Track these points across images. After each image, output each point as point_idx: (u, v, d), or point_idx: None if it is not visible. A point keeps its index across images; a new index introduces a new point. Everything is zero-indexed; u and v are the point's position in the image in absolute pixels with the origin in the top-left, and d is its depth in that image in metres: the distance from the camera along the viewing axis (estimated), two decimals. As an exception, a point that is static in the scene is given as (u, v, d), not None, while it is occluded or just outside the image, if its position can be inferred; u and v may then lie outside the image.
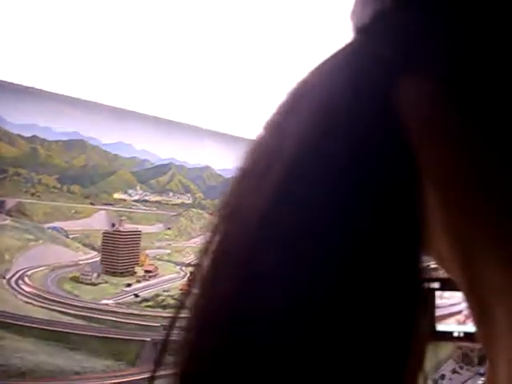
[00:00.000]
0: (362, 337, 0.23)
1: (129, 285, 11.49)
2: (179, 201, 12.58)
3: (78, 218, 11.40)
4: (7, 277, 9.61)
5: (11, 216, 10.16)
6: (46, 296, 9.74)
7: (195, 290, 0.25)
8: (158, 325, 9.73)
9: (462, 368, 8.29)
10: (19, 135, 9.50)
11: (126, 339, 9.48)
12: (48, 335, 8.63)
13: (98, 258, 11.22)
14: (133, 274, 11.56)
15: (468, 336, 0.62)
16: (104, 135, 10.45)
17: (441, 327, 0.62)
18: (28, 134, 9.61)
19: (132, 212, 12.04)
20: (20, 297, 9.29)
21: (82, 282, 10.68)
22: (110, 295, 10.69)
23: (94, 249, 11.49)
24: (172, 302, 10.71)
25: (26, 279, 9.79)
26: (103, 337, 9.27)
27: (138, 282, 11.58)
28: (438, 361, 7.65)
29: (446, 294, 0.55)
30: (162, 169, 12.04)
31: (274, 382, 0.23)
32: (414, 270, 0.25)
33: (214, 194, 12.43)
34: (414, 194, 0.24)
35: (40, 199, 10.27)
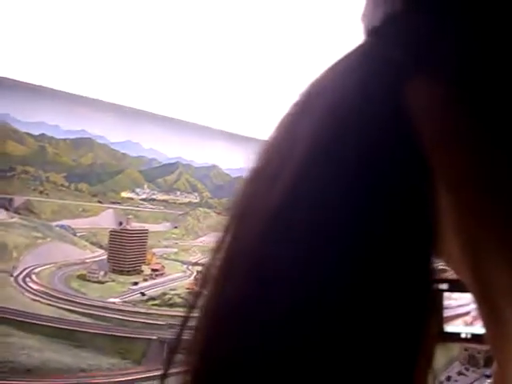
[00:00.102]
0: (373, 337, 0.23)
1: (135, 283, 11.53)
2: (186, 200, 12.62)
3: (86, 217, 11.45)
4: (15, 274, 9.67)
5: (19, 214, 10.22)
6: (53, 294, 9.78)
7: (206, 290, 0.25)
8: (165, 323, 9.76)
9: (467, 370, 8.28)
10: (28, 133, 9.55)
11: (133, 337, 9.51)
12: (55, 333, 8.67)
13: (105, 257, 11.27)
14: (140, 272, 11.61)
15: (476, 337, 0.62)
16: (112, 134, 10.50)
17: (448, 328, 0.62)
18: (36, 132, 9.66)
19: (139, 211, 12.09)
20: (27, 294, 9.34)
21: (89, 280, 10.74)
22: (116, 293, 10.74)
23: (101, 247, 11.54)
24: (179, 300, 10.74)
25: (34, 277, 9.84)
26: (110, 335, 9.31)
27: (145, 280, 11.62)
28: (444, 362, 7.64)
29: (454, 295, 0.56)
30: (170, 168, 12.08)
31: (286, 382, 0.23)
32: (425, 271, 0.25)
33: (221, 193, 12.45)
34: (426, 196, 0.24)
35: (48, 197, 10.32)
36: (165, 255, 11.39)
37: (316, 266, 0.23)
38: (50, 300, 9.16)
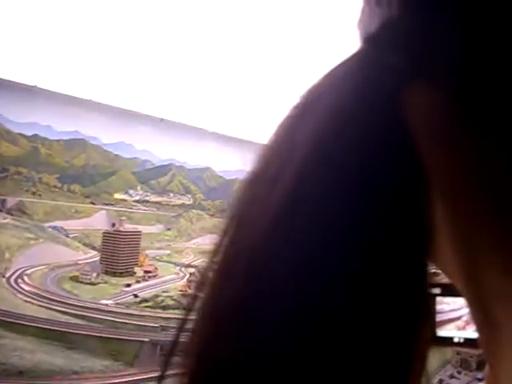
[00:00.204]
0: (368, 340, 0.23)
1: (128, 285, 11.49)
2: (179, 201, 12.58)
3: (79, 218, 11.40)
4: (7, 275, 9.61)
5: (12, 215, 10.16)
6: (45, 295, 9.73)
7: (203, 293, 0.25)
8: (157, 325, 9.74)
9: (460, 373, 8.30)
10: (20, 134, 9.50)
11: (125, 339, 9.47)
12: (47, 334, 8.63)
13: (98, 258, 11.22)
14: (132, 274, 11.56)
15: (468, 342, 0.62)
16: (105, 135, 10.45)
17: (441, 333, 0.62)
18: (29, 133, 9.61)
19: (132, 212, 12.04)
20: (19, 295, 9.29)
21: (81, 282, 10.68)
22: (109, 295, 10.69)
23: (93, 248, 11.49)
24: (171, 302, 10.71)
25: (26, 278, 9.79)
26: (102, 337, 9.27)
27: (138, 282, 11.57)
28: (437, 366, 7.65)
29: (447, 299, 0.56)
30: (163, 169, 12.04)
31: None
32: (420, 276, 0.25)
33: (215, 195, 12.42)
34: (423, 204, 0.24)
35: (41, 198, 10.27)
36: (157, 257, 11.34)
37: (315, 270, 0.23)
38: (42, 301, 9.11)
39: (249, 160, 0.27)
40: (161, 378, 0.26)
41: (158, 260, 11.09)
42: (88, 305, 9.67)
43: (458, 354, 7.67)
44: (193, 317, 0.25)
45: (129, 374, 8.35)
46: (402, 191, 0.24)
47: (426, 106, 0.24)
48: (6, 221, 9.12)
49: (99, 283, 10.34)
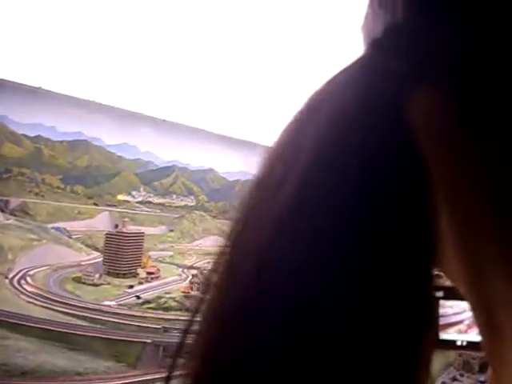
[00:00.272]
0: (373, 342, 0.24)
1: (131, 286, 11.48)
2: (182, 203, 12.59)
3: (81, 219, 11.40)
4: (10, 276, 9.62)
5: (15, 216, 10.17)
6: (47, 296, 9.73)
7: (208, 295, 0.26)
8: (160, 327, 9.72)
9: (462, 375, 8.27)
10: (24, 135, 9.52)
11: (128, 341, 9.46)
12: (50, 335, 8.62)
13: (101, 259, 11.23)
14: (135, 275, 11.55)
15: (471, 345, 0.62)
16: (108, 136, 10.48)
17: (444, 336, 0.62)
18: (32, 134, 9.63)
19: (135, 213, 12.04)
20: (22, 296, 9.30)
21: (84, 283, 10.69)
22: (112, 296, 10.69)
23: (96, 249, 11.50)
24: (174, 304, 10.69)
25: (29, 279, 9.79)
26: (105, 338, 9.26)
27: (140, 283, 11.57)
28: (439, 368, 7.62)
29: (449, 303, 0.56)
30: (166, 171, 12.04)
31: None
32: (425, 279, 0.25)
33: (218, 196, 12.42)
34: (426, 207, 0.24)
35: (44, 199, 10.28)
36: (160, 258, 11.35)
37: (320, 272, 0.24)
38: (45, 302, 9.12)
39: (252, 162, 0.27)
40: (167, 379, 0.26)
41: (161, 261, 11.10)
42: (90, 306, 9.67)
43: (461, 356, 7.64)
44: (198, 319, 0.26)
45: (131, 376, 8.34)
46: (403, 193, 0.24)
47: (427, 107, 0.24)
48: (9, 222, 9.14)
49: (102, 284, 10.34)
